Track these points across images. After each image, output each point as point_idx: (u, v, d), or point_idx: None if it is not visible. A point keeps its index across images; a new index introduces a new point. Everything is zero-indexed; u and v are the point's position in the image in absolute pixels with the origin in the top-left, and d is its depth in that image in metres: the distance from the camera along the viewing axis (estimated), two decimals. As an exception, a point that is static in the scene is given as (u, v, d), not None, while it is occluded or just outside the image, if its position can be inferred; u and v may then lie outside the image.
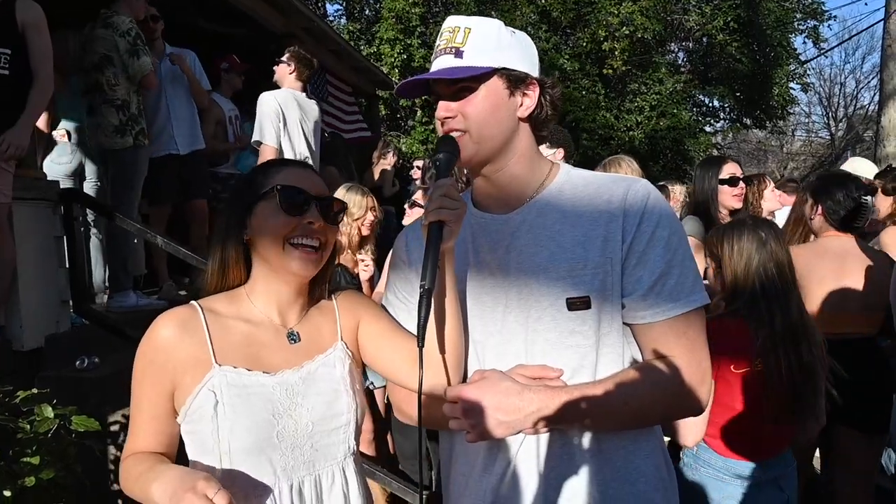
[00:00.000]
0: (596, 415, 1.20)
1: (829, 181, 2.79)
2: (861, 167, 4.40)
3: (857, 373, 2.48)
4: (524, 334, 1.24)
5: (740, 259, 2.07)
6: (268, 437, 1.21)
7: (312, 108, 4.38)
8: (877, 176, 3.85)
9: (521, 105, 1.27)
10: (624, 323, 1.26)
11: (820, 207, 2.76)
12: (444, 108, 1.25)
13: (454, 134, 1.24)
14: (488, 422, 1.15)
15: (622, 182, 1.27)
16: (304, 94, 4.37)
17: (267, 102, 4.15)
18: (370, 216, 3.45)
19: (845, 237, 2.74)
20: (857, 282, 2.65)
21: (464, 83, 1.22)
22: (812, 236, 2.92)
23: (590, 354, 1.22)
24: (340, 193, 3.43)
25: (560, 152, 3.25)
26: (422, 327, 1.14)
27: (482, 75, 1.22)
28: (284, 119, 4.15)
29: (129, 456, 1.27)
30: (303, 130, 4.24)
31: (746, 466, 2.03)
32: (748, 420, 2.01)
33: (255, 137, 4.18)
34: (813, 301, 2.62)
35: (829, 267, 2.67)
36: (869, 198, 2.68)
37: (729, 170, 3.16)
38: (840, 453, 2.74)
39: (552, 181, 1.32)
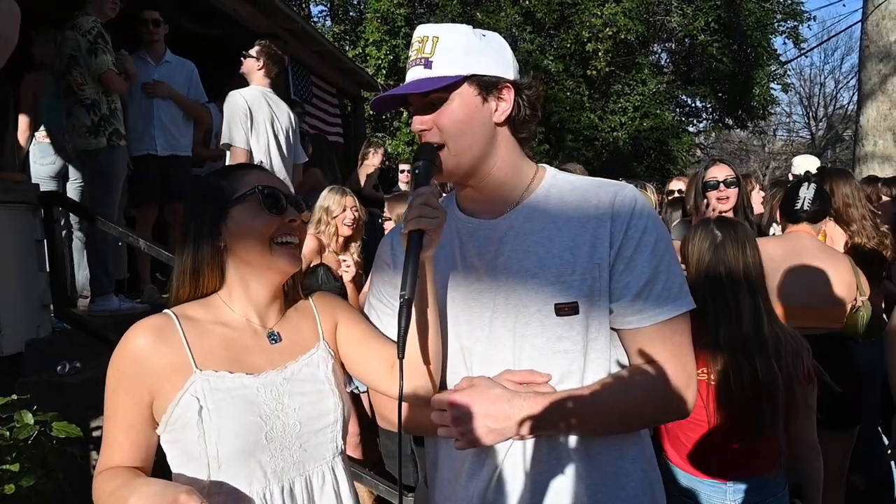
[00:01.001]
0: (584, 419, 1.21)
1: (790, 182, 2.94)
2: (805, 163, 4.58)
3: (824, 369, 2.53)
4: (512, 340, 1.23)
5: (693, 259, 2.00)
6: (256, 440, 1.20)
7: (283, 107, 4.17)
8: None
9: (497, 110, 1.26)
10: (611, 328, 1.26)
11: (775, 203, 2.97)
12: (418, 121, 1.25)
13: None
14: (478, 429, 1.15)
15: (609, 187, 1.28)
16: (272, 91, 4.14)
17: (234, 102, 3.90)
18: (349, 214, 3.48)
19: (802, 232, 2.78)
20: (817, 277, 2.69)
21: (435, 94, 1.21)
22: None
23: (578, 360, 1.22)
24: (322, 196, 3.49)
25: None
26: (402, 338, 1.12)
27: (452, 84, 1.20)
28: (252, 118, 3.92)
29: (103, 471, 1.22)
30: (273, 130, 4.02)
31: (725, 489, 1.92)
32: (706, 433, 1.91)
33: (223, 140, 3.93)
34: (775, 295, 2.64)
35: (790, 261, 2.71)
36: (805, 184, 2.75)
37: (711, 173, 3.22)
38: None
39: (539, 185, 1.31)
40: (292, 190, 1.41)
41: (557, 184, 1.32)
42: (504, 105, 1.26)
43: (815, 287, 2.68)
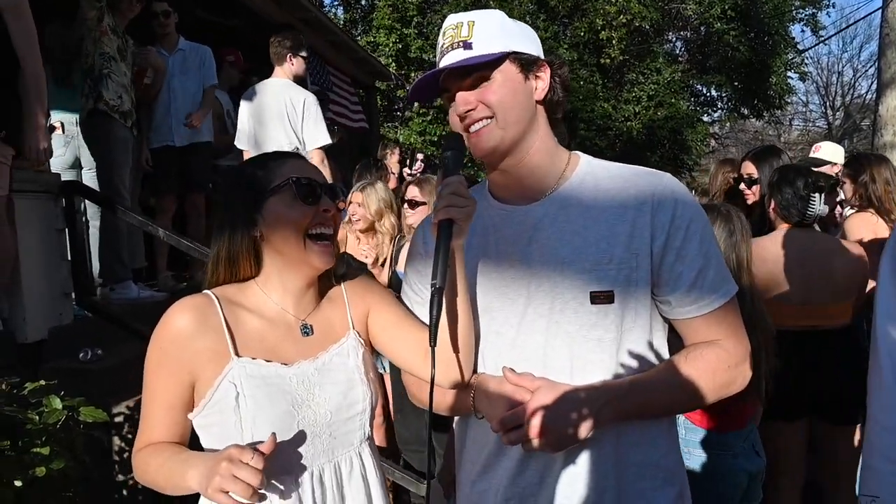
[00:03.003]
0: (657, 401, 1.24)
1: (782, 176, 2.75)
2: (828, 151, 4.42)
3: (825, 364, 2.51)
4: (545, 326, 1.24)
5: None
6: (289, 428, 1.23)
7: (275, 92, 4.22)
8: (845, 164, 3.83)
9: (536, 88, 1.28)
10: (664, 318, 1.29)
11: (773, 202, 2.76)
12: (462, 100, 1.23)
13: (478, 125, 1.23)
14: (563, 430, 1.17)
15: (648, 176, 1.28)
16: (275, 78, 4.28)
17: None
18: (352, 209, 3.50)
19: (800, 229, 2.71)
20: (817, 273, 2.62)
21: (478, 72, 1.22)
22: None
23: (610, 348, 1.23)
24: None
25: None
26: (434, 326, 1.14)
27: (495, 61, 1.22)
28: (238, 119, 4.28)
29: (144, 447, 1.26)
30: (256, 119, 4.21)
31: (725, 437, 2.12)
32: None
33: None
34: (777, 293, 2.61)
35: (790, 258, 2.64)
36: (817, 195, 2.64)
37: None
38: (820, 447, 2.76)
39: (573, 172, 1.32)
40: (329, 178, 1.41)
41: (593, 171, 1.32)
42: (542, 84, 1.28)
43: (815, 283, 2.61)
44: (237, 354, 1.24)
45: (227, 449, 1.08)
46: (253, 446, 1.10)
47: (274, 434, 1.12)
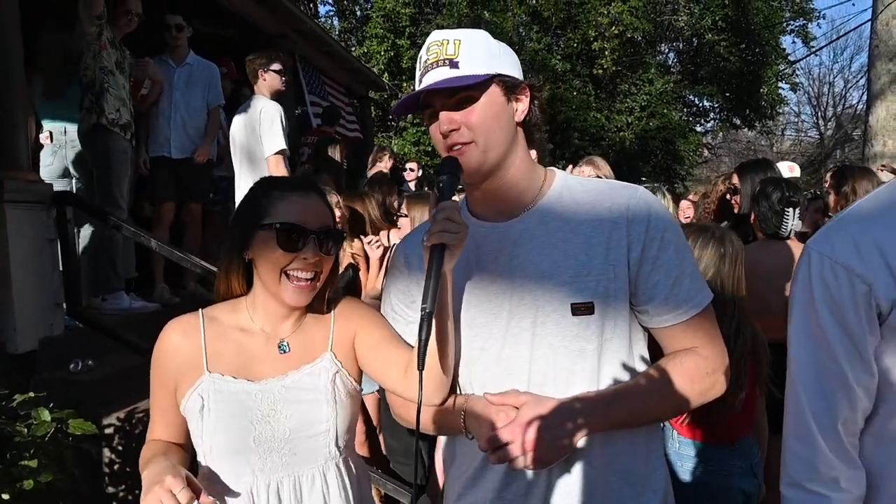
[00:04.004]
0: (640, 410, 1.25)
1: (762, 188, 2.78)
2: (784, 168, 4.46)
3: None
4: (529, 340, 1.26)
5: (700, 267, 2.06)
6: (244, 440, 1.31)
7: (251, 104, 4.25)
8: (830, 176, 3.88)
9: (517, 110, 1.29)
10: (643, 327, 1.30)
11: (753, 213, 2.79)
12: (446, 120, 1.24)
13: (460, 145, 1.24)
14: (550, 447, 1.18)
15: (623, 190, 1.30)
16: (257, 93, 4.31)
17: None
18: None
19: (776, 241, 2.72)
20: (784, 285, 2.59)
21: (465, 93, 1.23)
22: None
23: (592, 359, 1.25)
24: None
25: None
26: (422, 350, 1.14)
27: (482, 83, 1.23)
28: (230, 135, 4.31)
29: (147, 442, 1.41)
30: (239, 135, 4.23)
31: (720, 451, 2.10)
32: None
33: None
34: (756, 304, 2.55)
35: (768, 269, 2.65)
36: (791, 209, 2.67)
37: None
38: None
39: (550, 188, 1.34)
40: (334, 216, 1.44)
41: (568, 186, 1.34)
42: (522, 106, 1.29)
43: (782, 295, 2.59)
44: (209, 370, 1.34)
45: (169, 474, 1.15)
46: (206, 470, 1.19)
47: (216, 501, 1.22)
